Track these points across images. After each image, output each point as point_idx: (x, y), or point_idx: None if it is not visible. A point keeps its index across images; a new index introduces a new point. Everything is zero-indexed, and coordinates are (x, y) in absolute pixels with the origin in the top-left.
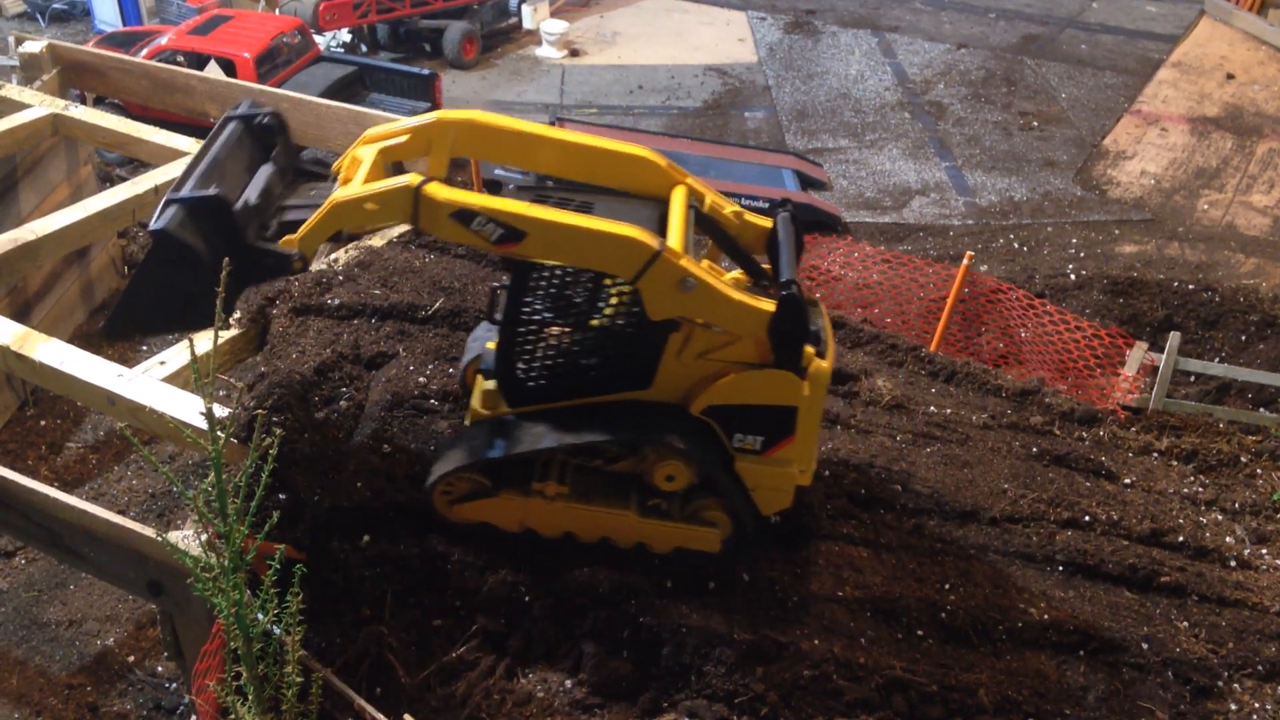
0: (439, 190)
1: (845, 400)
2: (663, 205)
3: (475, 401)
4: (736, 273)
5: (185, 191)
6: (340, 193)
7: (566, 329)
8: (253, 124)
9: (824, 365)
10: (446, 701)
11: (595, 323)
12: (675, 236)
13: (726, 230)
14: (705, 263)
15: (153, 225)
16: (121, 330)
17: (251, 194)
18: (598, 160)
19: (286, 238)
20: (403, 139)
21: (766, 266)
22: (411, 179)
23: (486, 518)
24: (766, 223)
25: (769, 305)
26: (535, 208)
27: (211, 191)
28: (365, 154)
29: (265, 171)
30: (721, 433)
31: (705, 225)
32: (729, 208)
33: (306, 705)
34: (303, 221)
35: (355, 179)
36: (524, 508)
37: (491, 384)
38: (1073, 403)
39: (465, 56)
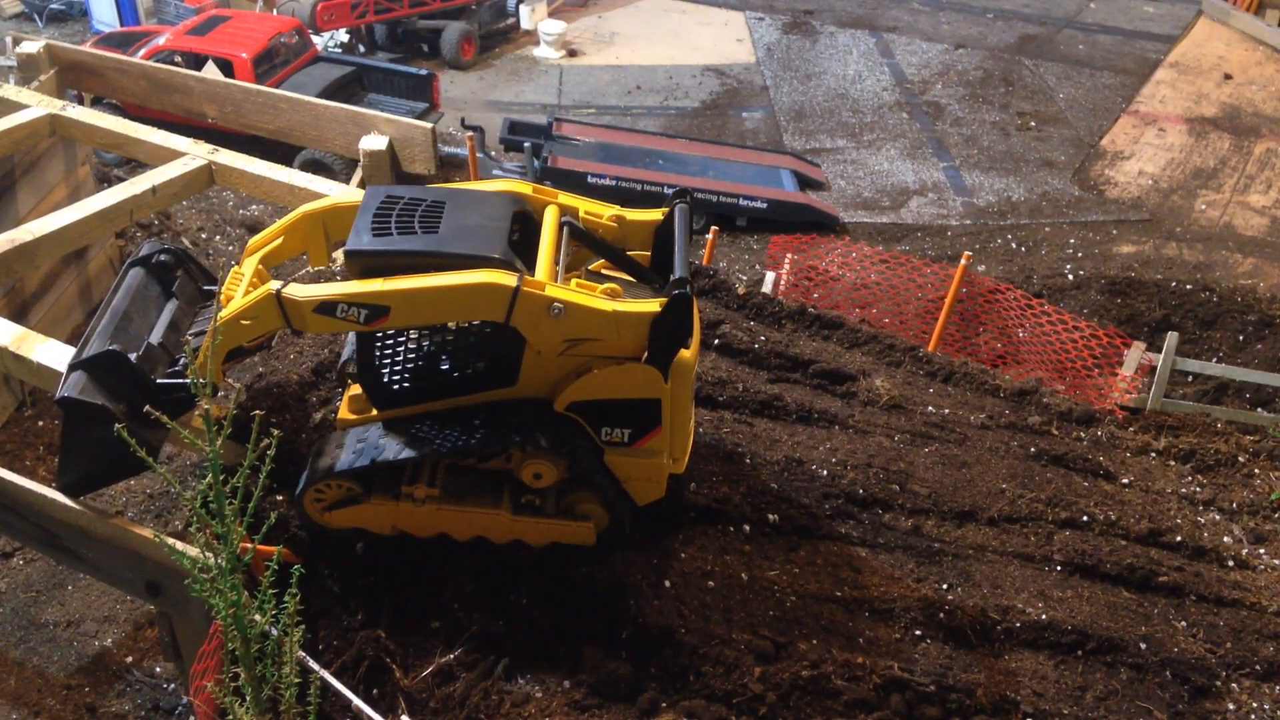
0: (296, 290)
1: (843, 400)
2: (519, 201)
3: (343, 406)
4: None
5: (84, 354)
6: (220, 314)
7: (424, 331)
8: (151, 264)
9: (685, 355)
10: (444, 702)
11: (452, 324)
12: (544, 261)
13: (606, 240)
14: (574, 281)
15: (58, 394)
16: (74, 491)
17: (155, 335)
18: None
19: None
20: (278, 241)
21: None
22: (269, 287)
23: (359, 523)
24: (654, 215)
25: (651, 307)
26: (389, 281)
27: (107, 348)
28: (247, 268)
29: (170, 308)
30: (589, 427)
31: (582, 239)
32: (607, 214)
33: (304, 706)
34: None
35: (235, 296)
36: (395, 512)
37: (358, 388)
38: (1070, 403)
39: (463, 57)
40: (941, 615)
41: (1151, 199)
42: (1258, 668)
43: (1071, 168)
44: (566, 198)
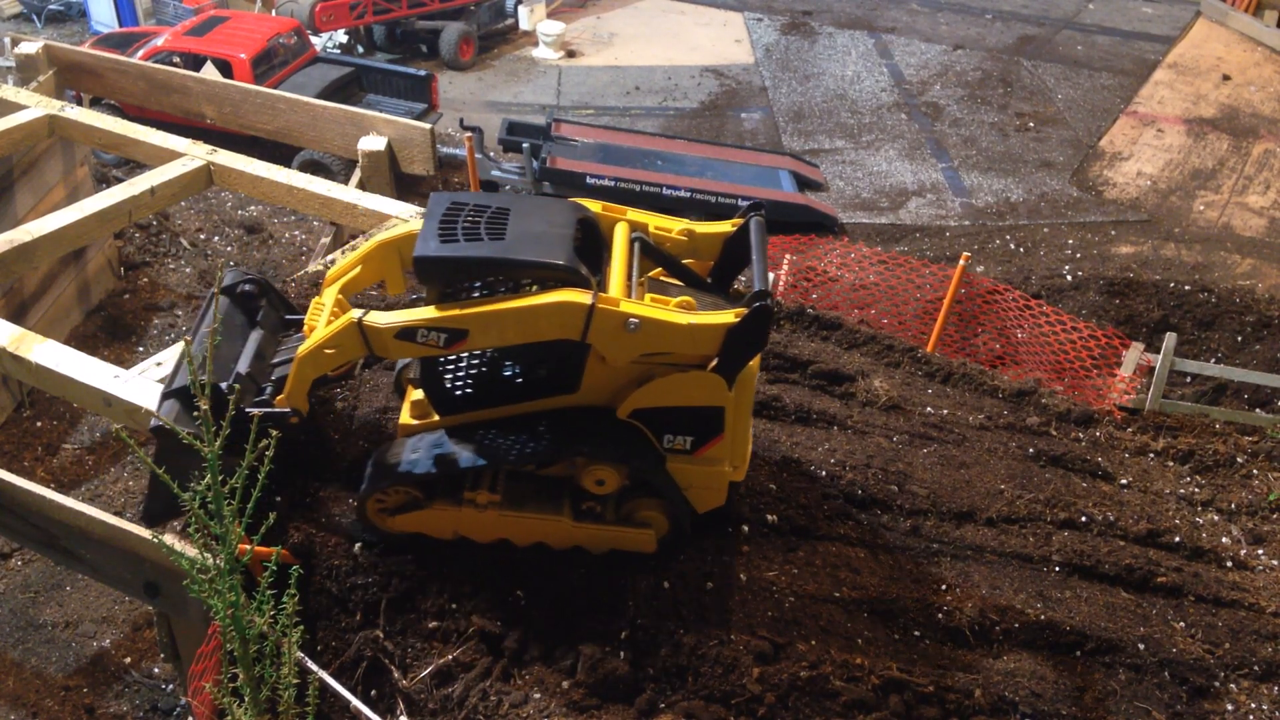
0: (378, 318)
1: (842, 401)
2: (582, 209)
3: (405, 411)
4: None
5: (176, 383)
6: (304, 345)
7: None
8: (235, 294)
9: (750, 364)
10: (443, 703)
11: None
12: (617, 277)
13: (675, 255)
14: (648, 297)
15: (152, 423)
16: (158, 519)
17: (242, 364)
18: None
19: (279, 398)
20: (356, 270)
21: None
22: (351, 316)
23: (420, 528)
24: (723, 227)
25: (726, 318)
26: (467, 305)
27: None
28: (327, 297)
29: (255, 337)
30: (651, 435)
31: (652, 255)
32: (676, 227)
33: (303, 707)
34: None
35: (318, 326)
36: (457, 517)
37: (420, 393)
38: (1069, 403)
39: (462, 57)
40: (940, 616)
41: (1150, 200)
42: (1256, 668)
43: (1070, 168)
44: (635, 213)
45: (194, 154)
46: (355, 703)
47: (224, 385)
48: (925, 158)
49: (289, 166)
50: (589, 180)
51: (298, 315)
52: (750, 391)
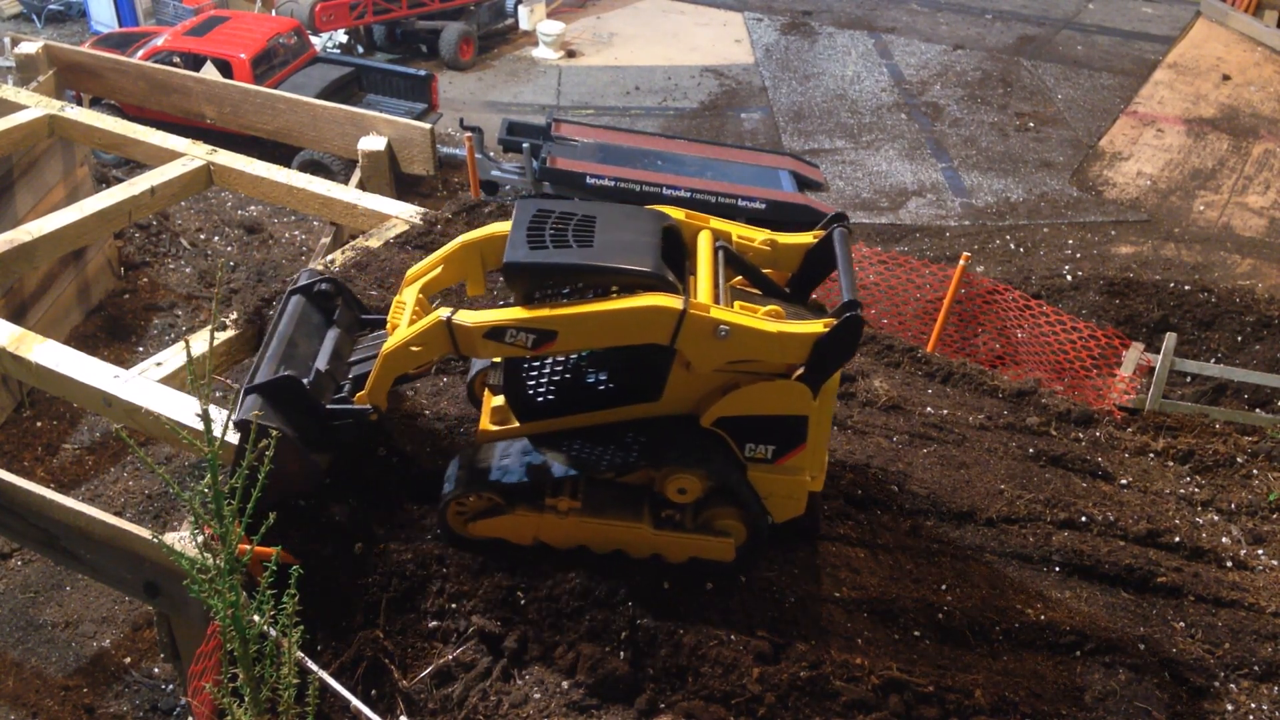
0: (467, 316)
1: (842, 401)
2: (665, 217)
3: (485, 418)
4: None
5: (258, 379)
6: (388, 343)
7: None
8: (312, 293)
9: (835, 373)
10: (443, 703)
11: None
12: (705, 284)
13: (757, 265)
14: (737, 304)
15: (235, 417)
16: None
17: (321, 362)
18: None
19: (358, 395)
20: (437, 270)
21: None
22: (439, 314)
23: (500, 534)
24: (805, 238)
25: (814, 327)
26: (558, 306)
27: (285, 373)
28: (408, 296)
29: (331, 336)
30: (733, 443)
31: (735, 264)
32: (759, 238)
33: (303, 707)
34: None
35: (401, 324)
36: (538, 523)
37: (500, 399)
38: (1069, 403)
39: (462, 57)
40: (940, 616)
41: (1150, 200)
42: (1256, 668)
43: (1070, 168)
44: (717, 223)
45: (194, 154)
46: (355, 703)
47: (305, 381)
48: (925, 158)
49: (289, 166)
50: (589, 180)
51: (372, 315)
52: (831, 401)
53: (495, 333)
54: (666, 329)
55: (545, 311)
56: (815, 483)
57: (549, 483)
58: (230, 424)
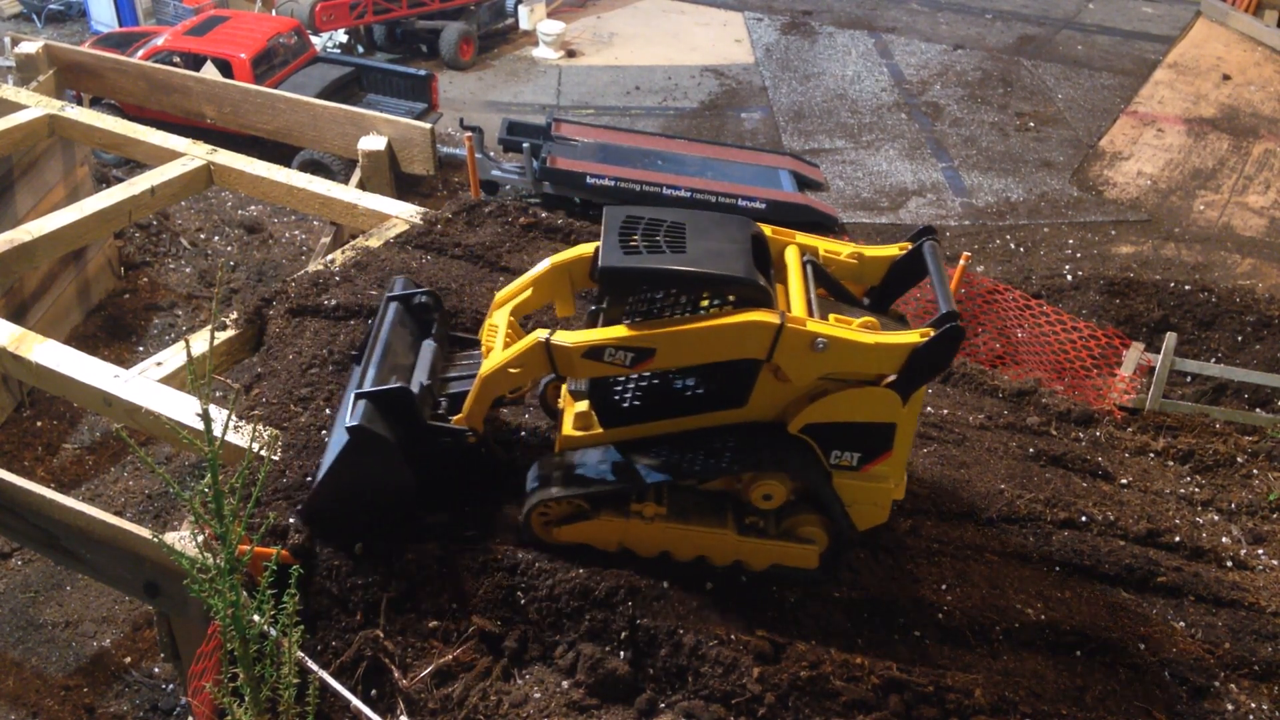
0: (565, 337)
1: None
2: (752, 224)
3: (567, 424)
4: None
5: (371, 386)
6: (485, 365)
7: None
8: (411, 304)
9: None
10: (443, 703)
11: None
12: (797, 301)
13: (841, 277)
14: (832, 316)
15: (349, 422)
16: (318, 515)
17: (422, 375)
18: None
19: (456, 417)
20: (528, 293)
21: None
22: (538, 335)
23: (585, 539)
24: (891, 250)
25: (913, 338)
26: (656, 325)
27: (396, 385)
28: (499, 319)
29: (428, 349)
30: (819, 450)
31: (820, 278)
32: (845, 251)
33: (303, 707)
34: (466, 392)
35: (495, 347)
36: (623, 529)
37: (583, 405)
38: (1069, 403)
39: (462, 57)
40: (940, 616)
41: (1150, 200)
42: (1256, 668)
43: (1070, 168)
44: (803, 237)
45: (194, 154)
46: (355, 702)
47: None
48: (925, 157)
49: (289, 166)
50: (589, 180)
51: (460, 335)
52: (917, 409)
53: (594, 352)
54: (764, 344)
55: (644, 330)
56: (898, 490)
57: (635, 488)
58: (349, 426)
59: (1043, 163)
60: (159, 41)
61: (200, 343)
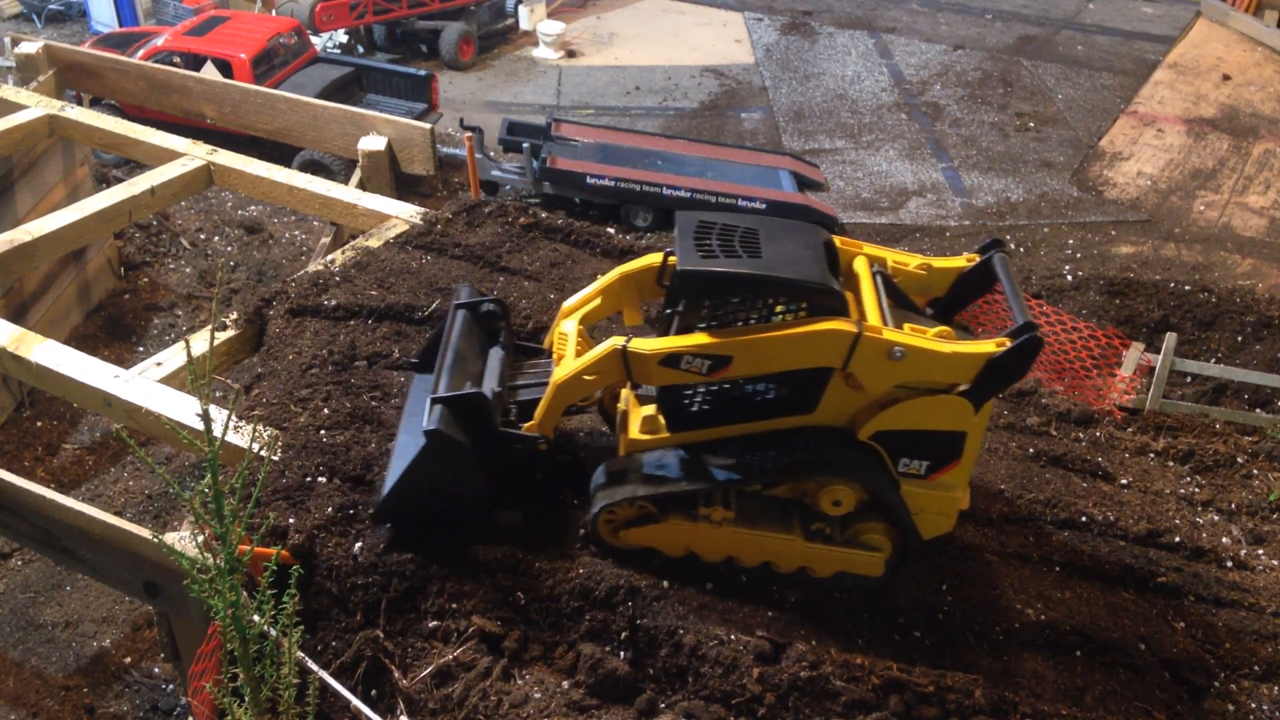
0: (642, 345)
1: None
2: (823, 230)
3: (633, 427)
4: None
5: (445, 391)
6: (558, 373)
7: None
8: (479, 312)
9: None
10: (443, 703)
11: None
12: (871, 310)
13: (910, 289)
14: (907, 326)
15: (426, 426)
16: (391, 517)
17: (492, 382)
18: None
19: (527, 425)
20: (596, 302)
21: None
22: (614, 342)
23: (651, 543)
24: (958, 261)
25: (989, 348)
26: (733, 333)
27: (471, 390)
28: (568, 328)
29: (496, 357)
30: (887, 457)
31: (888, 288)
32: (914, 262)
33: (303, 707)
34: (535, 400)
35: (567, 354)
36: (691, 533)
37: (649, 409)
38: (1069, 403)
39: (462, 57)
40: (940, 616)
41: (1150, 200)
42: (1256, 668)
43: (1070, 168)
44: (870, 248)
45: (194, 154)
46: (355, 702)
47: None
48: (925, 158)
49: (289, 166)
50: (589, 180)
51: (526, 343)
52: (986, 418)
53: (671, 359)
54: (841, 352)
55: (722, 338)
56: (964, 500)
57: (703, 492)
58: (428, 429)
59: (1043, 163)
60: (159, 42)
61: (200, 343)
